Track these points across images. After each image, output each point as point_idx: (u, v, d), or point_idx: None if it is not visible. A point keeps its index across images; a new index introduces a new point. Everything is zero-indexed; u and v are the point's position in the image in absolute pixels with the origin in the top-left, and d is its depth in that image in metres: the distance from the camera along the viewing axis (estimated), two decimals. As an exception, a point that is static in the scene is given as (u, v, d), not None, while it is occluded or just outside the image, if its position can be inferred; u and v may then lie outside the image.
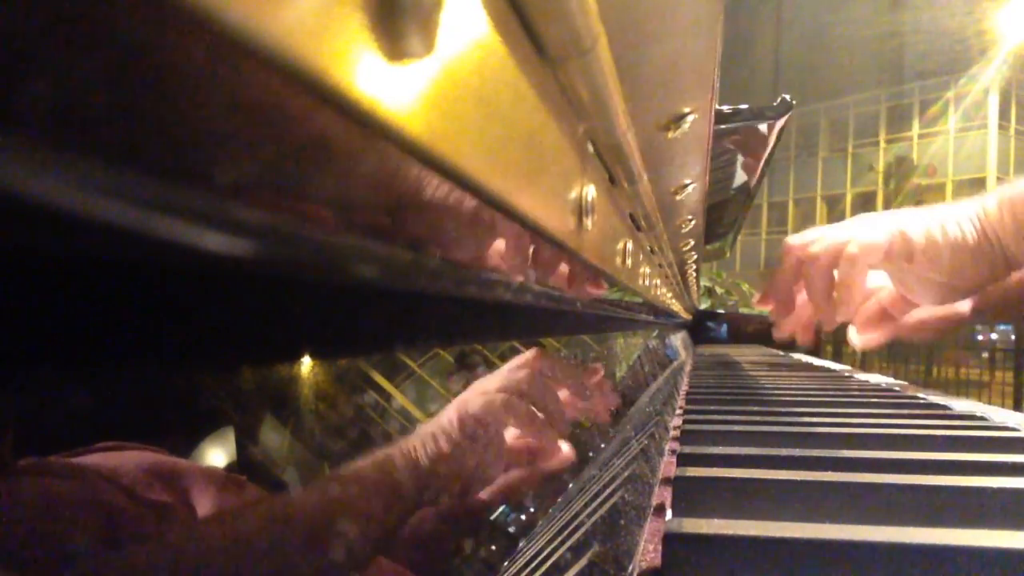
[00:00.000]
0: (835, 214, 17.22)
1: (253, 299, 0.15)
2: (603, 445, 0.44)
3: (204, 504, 0.15)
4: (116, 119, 0.09)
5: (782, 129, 1.23)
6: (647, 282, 0.80)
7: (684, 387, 0.95)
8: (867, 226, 0.91)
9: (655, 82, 0.40)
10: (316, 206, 0.14)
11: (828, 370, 1.28)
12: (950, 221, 0.87)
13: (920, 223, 0.88)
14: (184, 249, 0.11)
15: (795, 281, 0.96)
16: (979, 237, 0.85)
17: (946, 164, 15.63)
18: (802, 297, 0.99)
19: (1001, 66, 14.01)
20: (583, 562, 0.24)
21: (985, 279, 0.87)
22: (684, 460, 0.43)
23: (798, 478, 0.37)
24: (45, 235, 0.09)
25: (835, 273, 0.91)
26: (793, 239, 0.97)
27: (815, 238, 0.94)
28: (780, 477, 0.37)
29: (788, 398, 0.86)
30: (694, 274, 1.73)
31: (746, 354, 1.77)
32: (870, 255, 0.88)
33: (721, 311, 3.29)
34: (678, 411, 0.71)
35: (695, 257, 1.33)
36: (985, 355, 7.02)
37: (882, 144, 16.82)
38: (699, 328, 2.57)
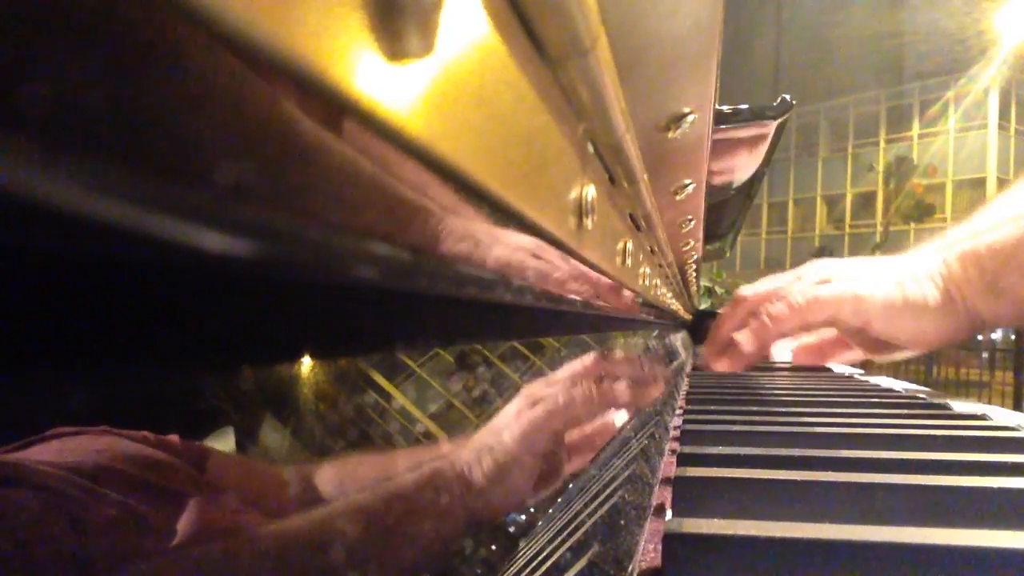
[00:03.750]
0: (835, 214, 17.23)
1: (253, 299, 0.15)
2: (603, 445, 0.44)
3: (185, 500, 0.13)
4: (116, 119, 0.09)
5: (782, 129, 1.22)
6: (647, 282, 0.80)
7: (684, 387, 0.95)
8: (819, 276, 0.84)
9: (655, 82, 0.40)
10: (316, 206, 0.14)
11: (828, 370, 1.28)
12: (909, 281, 0.79)
13: (878, 284, 0.80)
14: (184, 249, 0.11)
15: (737, 326, 0.89)
16: (942, 298, 0.77)
17: (946, 164, 15.64)
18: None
19: (1001, 66, 14.01)
20: (583, 562, 0.24)
21: (945, 340, 0.79)
22: (684, 460, 0.43)
23: (798, 478, 0.37)
24: (45, 235, 0.09)
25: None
26: (745, 289, 0.92)
27: (766, 287, 0.88)
28: (780, 477, 0.37)
29: (788, 398, 0.86)
30: (694, 274, 1.73)
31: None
32: (813, 311, 0.80)
33: (721, 311, 3.28)
34: (678, 411, 0.71)
35: (695, 257, 1.33)
36: (985, 355, 7.02)
37: (882, 144, 16.82)
38: (699, 328, 2.57)
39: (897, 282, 0.80)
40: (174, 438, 0.14)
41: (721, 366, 0.93)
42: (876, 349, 0.86)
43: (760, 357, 0.88)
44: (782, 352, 1.01)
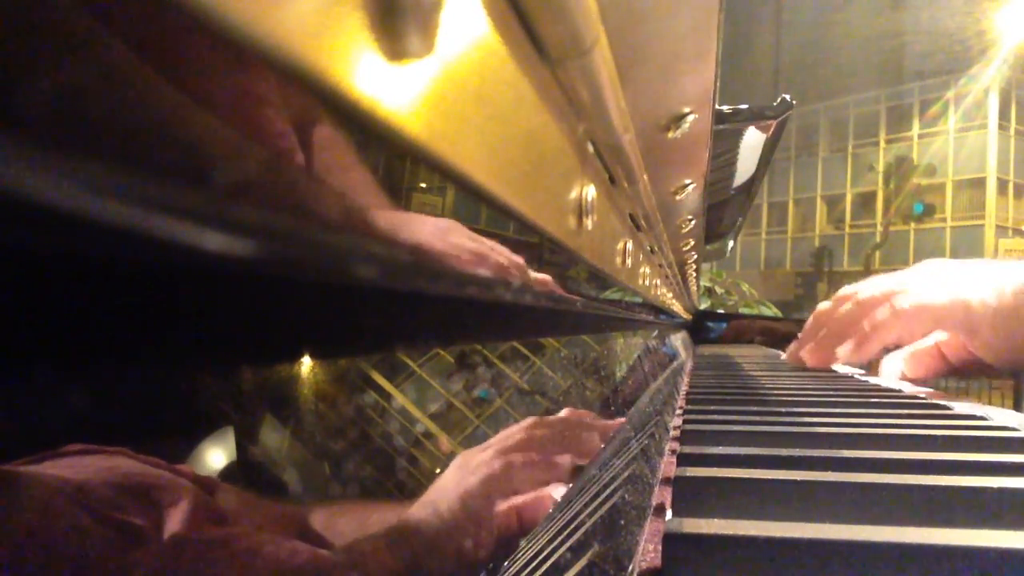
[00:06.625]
0: (835, 214, 17.24)
1: (253, 299, 0.15)
2: (603, 446, 0.44)
3: (188, 522, 0.13)
4: (116, 119, 0.09)
5: (782, 129, 1.22)
6: (647, 282, 0.80)
7: (684, 387, 0.95)
8: (931, 281, 0.80)
9: (655, 82, 0.40)
10: (316, 206, 0.14)
11: (828, 371, 1.28)
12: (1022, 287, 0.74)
13: (988, 290, 0.75)
14: (184, 249, 0.11)
15: (837, 327, 0.85)
16: None
17: (946, 164, 15.63)
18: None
19: (1001, 66, 14.01)
20: (583, 562, 0.24)
21: None
22: (684, 460, 0.43)
23: (798, 478, 0.37)
24: (45, 235, 0.09)
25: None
26: (848, 288, 0.88)
27: (871, 288, 0.84)
28: (780, 477, 0.37)
29: (788, 398, 0.86)
30: (694, 274, 1.73)
31: (746, 354, 1.77)
32: (920, 318, 0.77)
33: (721, 311, 3.28)
34: (678, 411, 0.71)
35: (695, 257, 1.33)
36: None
37: (882, 144, 16.82)
38: (699, 328, 2.57)
39: (1015, 291, 0.75)
40: (187, 469, 0.14)
41: (814, 362, 0.90)
42: (1003, 360, 0.80)
43: (859, 362, 0.85)
44: (891, 369, 0.94)
